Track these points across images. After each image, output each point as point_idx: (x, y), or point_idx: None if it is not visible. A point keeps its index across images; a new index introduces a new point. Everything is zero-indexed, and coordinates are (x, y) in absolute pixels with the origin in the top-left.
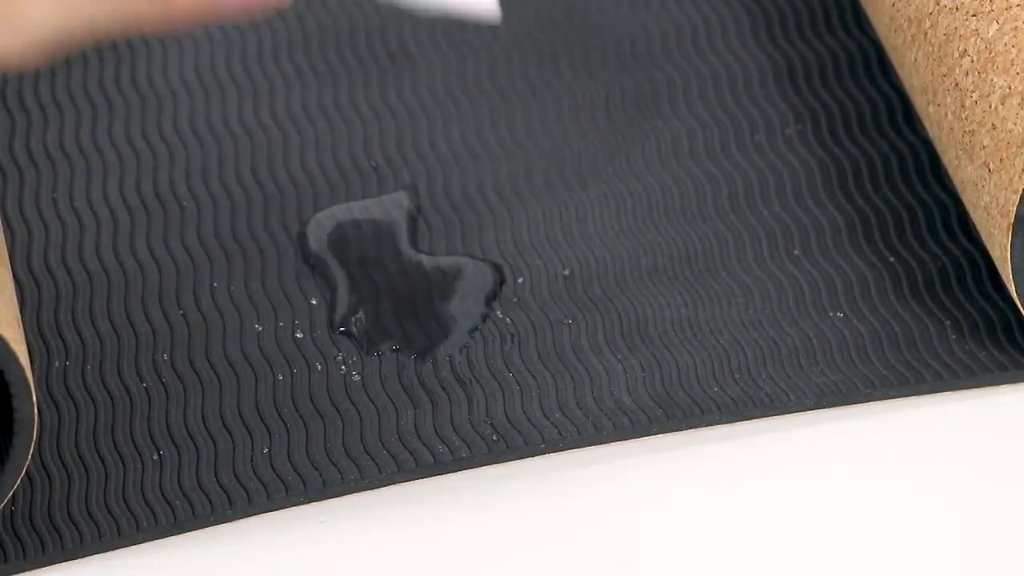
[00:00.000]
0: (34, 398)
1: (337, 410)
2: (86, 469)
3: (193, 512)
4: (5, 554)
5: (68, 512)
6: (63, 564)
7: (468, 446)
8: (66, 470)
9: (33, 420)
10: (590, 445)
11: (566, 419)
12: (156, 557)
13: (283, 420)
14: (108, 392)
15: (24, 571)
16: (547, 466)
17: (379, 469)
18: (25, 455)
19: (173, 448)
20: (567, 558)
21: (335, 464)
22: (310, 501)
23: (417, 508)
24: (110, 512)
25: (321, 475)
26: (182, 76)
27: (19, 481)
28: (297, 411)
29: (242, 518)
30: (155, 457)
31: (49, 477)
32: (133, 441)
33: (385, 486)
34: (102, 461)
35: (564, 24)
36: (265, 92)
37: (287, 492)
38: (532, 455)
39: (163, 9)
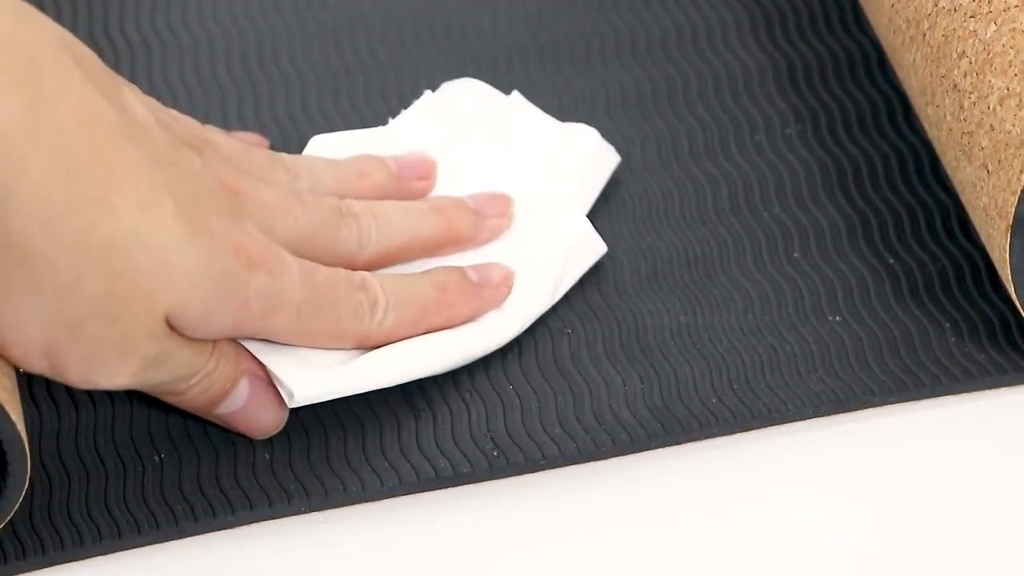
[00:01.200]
0: (13, 418)
1: (338, 418)
2: (86, 470)
3: (194, 517)
4: (5, 555)
5: (68, 513)
6: (63, 566)
7: (469, 461)
8: (66, 471)
9: (23, 441)
10: (589, 461)
11: (566, 434)
12: (156, 561)
13: (284, 428)
14: (108, 393)
15: (24, 572)
16: (547, 480)
17: (381, 482)
18: (23, 475)
19: (174, 451)
20: (566, 573)
21: (336, 474)
22: (312, 511)
23: (418, 519)
24: (110, 514)
25: (323, 484)
26: (182, 76)
27: (16, 507)
28: (298, 418)
29: (243, 525)
30: (156, 459)
31: (49, 478)
32: (134, 443)
33: (387, 498)
34: (102, 462)
35: (564, 24)
36: (265, 92)
37: (289, 501)
38: (532, 471)
39: (209, 410)
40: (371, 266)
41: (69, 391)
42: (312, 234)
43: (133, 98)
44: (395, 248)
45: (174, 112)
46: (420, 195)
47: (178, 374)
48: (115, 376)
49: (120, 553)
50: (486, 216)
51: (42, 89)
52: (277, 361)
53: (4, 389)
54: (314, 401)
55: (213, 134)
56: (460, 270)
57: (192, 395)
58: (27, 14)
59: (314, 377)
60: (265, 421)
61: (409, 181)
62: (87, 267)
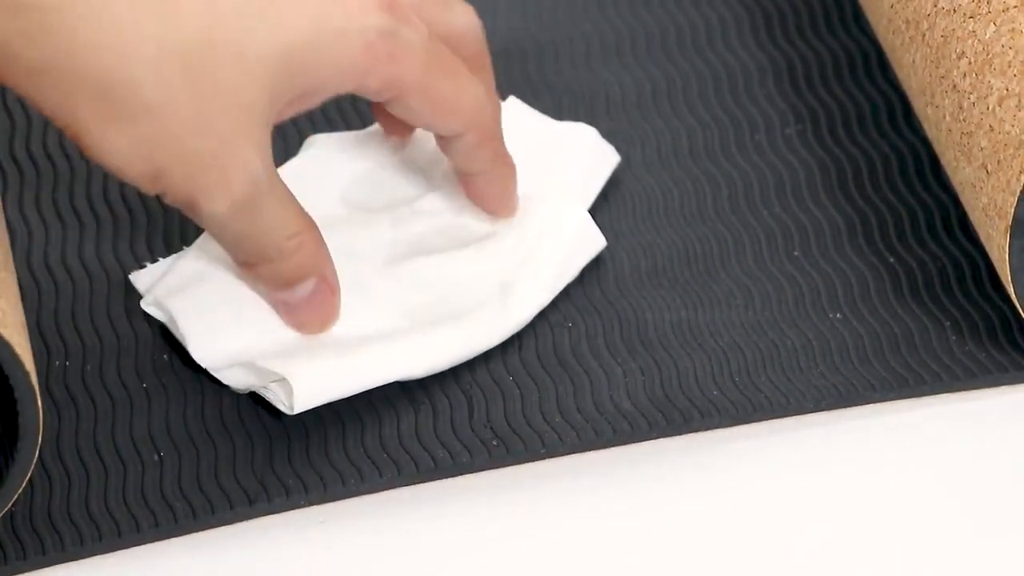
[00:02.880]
0: (39, 404)
1: (338, 413)
2: (86, 470)
3: (193, 514)
4: (5, 554)
5: (68, 513)
6: (63, 565)
7: (468, 451)
8: (66, 471)
9: (38, 426)
10: (590, 450)
11: (566, 424)
12: (157, 559)
13: (283, 423)
14: (108, 392)
15: (24, 571)
16: (547, 470)
17: (380, 474)
18: (30, 460)
19: (173, 449)
20: (567, 562)
21: (335, 467)
22: (311, 504)
23: (417, 512)
24: (110, 513)
25: (322, 479)
26: None
27: (24, 485)
28: (297, 415)
29: (242, 521)
30: (155, 458)
31: (49, 478)
32: (133, 442)
33: (385, 490)
34: (102, 462)
35: (564, 24)
36: None
37: (287, 496)
38: (532, 460)
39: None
40: None
41: (68, 390)
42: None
43: None
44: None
45: None
46: None
47: (268, 227)
48: (216, 196)
49: (120, 552)
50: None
51: None
52: (286, 364)
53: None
54: (320, 403)
55: None
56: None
57: (269, 268)
58: None
59: (321, 375)
60: (313, 322)
61: None
62: (168, 74)
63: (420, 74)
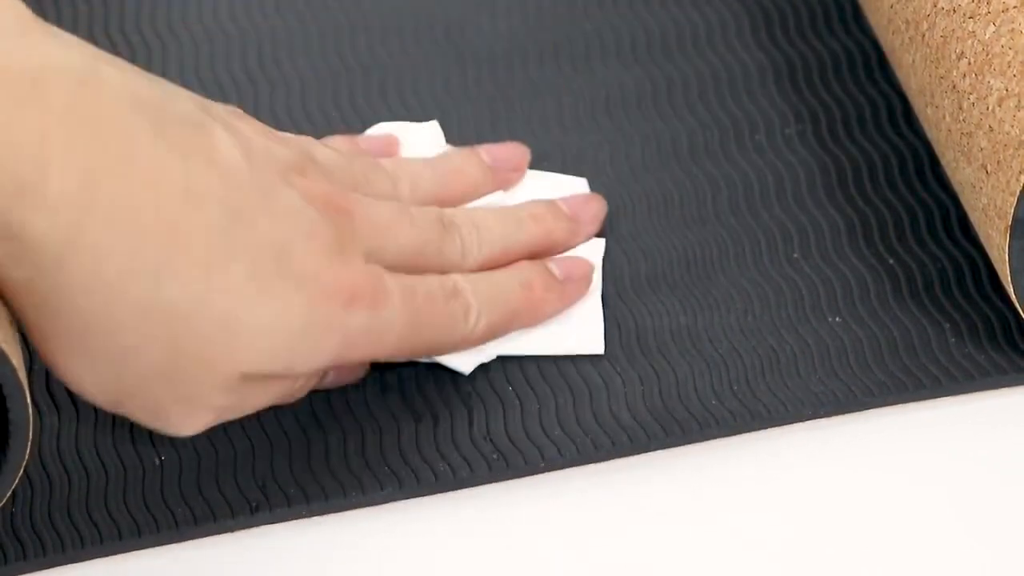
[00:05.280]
0: (28, 399)
1: (339, 422)
2: (86, 472)
3: (195, 520)
4: (5, 556)
5: (69, 515)
6: (63, 567)
7: (469, 465)
8: (66, 472)
9: (28, 421)
10: (589, 463)
11: (565, 436)
12: (156, 563)
13: (284, 431)
14: None
15: (24, 572)
16: (546, 483)
17: (381, 486)
18: (22, 456)
19: (174, 453)
20: (567, 575)
21: (336, 478)
22: (312, 515)
23: (418, 524)
24: (111, 516)
25: (323, 489)
26: (182, 76)
27: (16, 483)
28: (299, 423)
29: (243, 529)
30: (156, 462)
31: (49, 479)
32: (134, 444)
33: (387, 503)
34: (102, 464)
35: (564, 24)
36: (265, 92)
37: (289, 505)
38: (532, 474)
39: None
40: (468, 272)
41: (68, 391)
42: (419, 251)
43: (224, 141)
44: (496, 256)
45: (280, 135)
46: (512, 185)
47: (265, 403)
48: (183, 428)
49: (120, 555)
50: (581, 222)
51: (103, 154)
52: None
53: (13, 352)
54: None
55: (314, 148)
56: (543, 266)
57: (286, 402)
58: (94, 75)
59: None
60: (350, 381)
61: (504, 173)
62: (149, 333)
63: (395, 346)
